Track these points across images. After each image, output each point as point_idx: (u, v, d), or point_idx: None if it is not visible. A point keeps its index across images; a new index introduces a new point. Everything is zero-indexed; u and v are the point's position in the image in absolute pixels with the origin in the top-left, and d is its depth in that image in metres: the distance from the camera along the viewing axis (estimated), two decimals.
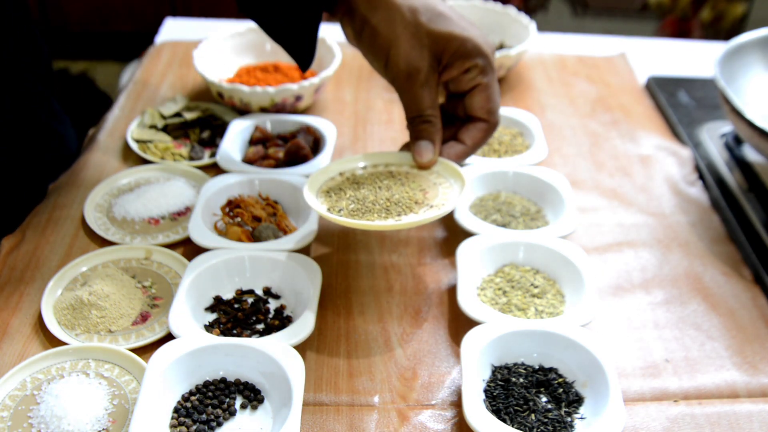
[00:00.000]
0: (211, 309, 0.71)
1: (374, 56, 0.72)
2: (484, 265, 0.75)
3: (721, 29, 2.73)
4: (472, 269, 0.74)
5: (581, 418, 0.62)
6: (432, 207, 0.68)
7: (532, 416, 0.62)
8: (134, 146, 0.92)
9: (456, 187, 0.71)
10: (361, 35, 0.72)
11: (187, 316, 0.67)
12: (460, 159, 0.74)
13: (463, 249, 0.75)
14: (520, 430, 0.60)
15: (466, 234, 0.81)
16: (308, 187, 0.71)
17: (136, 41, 2.67)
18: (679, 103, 1.07)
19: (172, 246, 0.79)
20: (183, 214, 0.84)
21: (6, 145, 0.88)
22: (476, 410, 0.59)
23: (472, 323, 0.67)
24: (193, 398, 0.62)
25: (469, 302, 0.69)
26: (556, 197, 0.83)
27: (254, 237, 0.78)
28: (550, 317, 0.70)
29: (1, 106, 0.87)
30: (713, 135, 1.00)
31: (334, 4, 0.73)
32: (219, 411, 0.61)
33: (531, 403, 0.62)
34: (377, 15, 0.70)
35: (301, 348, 0.68)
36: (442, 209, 0.67)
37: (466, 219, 0.79)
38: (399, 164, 0.75)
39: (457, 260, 0.74)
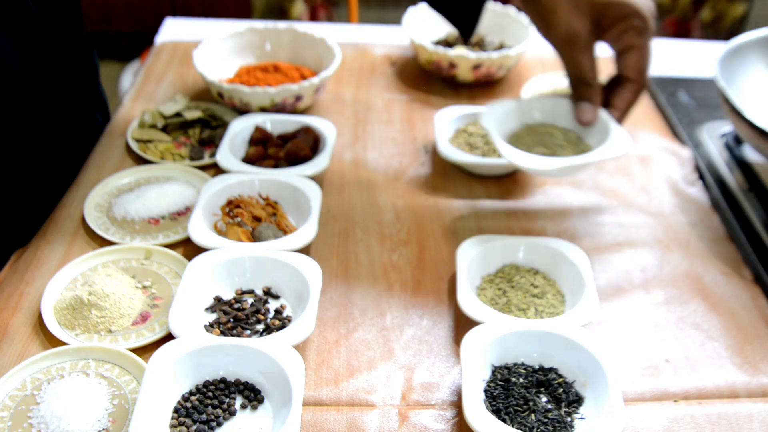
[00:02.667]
0: (211, 309, 0.71)
1: (537, 21, 0.76)
2: (484, 265, 0.75)
3: (721, 29, 2.73)
4: (472, 269, 0.74)
5: (581, 418, 0.62)
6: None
7: (532, 416, 0.62)
8: (134, 146, 0.93)
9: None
10: (526, 4, 0.76)
11: (187, 316, 0.67)
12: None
13: (463, 249, 0.75)
14: (520, 430, 0.60)
15: (466, 234, 0.81)
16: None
17: (136, 41, 2.68)
18: (679, 103, 1.07)
19: (172, 246, 0.79)
20: (183, 214, 0.84)
21: (51, 167, 0.89)
22: (476, 410, 0.59)
23: (472, 323, 0.67)
24: (193, 398, 0.62)
25: (469, 302, 0.69)
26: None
27: (254, 237, 0.78)
28: (550, 317, 0.70)
29: (54, 127, 0.89)
30: (713, 135, 1.00)
31: None
32: (219, 411, 0.61)
33: (531, 403, 0.62)
34: None
35: (301, 348, 0.68)
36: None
37: (511, 153, 0.78)
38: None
39: (457, 260, 0.74)
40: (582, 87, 0.77)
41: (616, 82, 0.79)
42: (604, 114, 0.78)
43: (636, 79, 0.76)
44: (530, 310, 0.71)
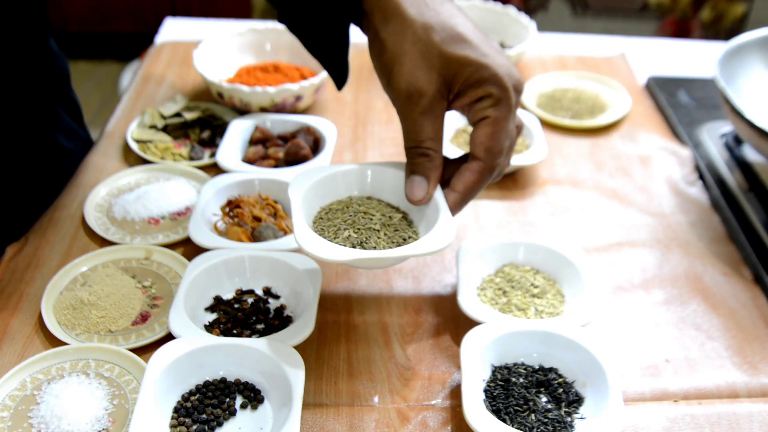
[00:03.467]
0: (211, 309, 0.71)
1: (379, 71, 0.64)
2: (484, 265, 0.76)
3: (721, 29, 2.73)
4: (472, 269, 0.74)
5: (581, 418, 0.62)
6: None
7: (532, 416, 0.62)
8: (134, 146, 0.93)
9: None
10: (371, 48, 0.65)
11: (187, 316, 0.67)
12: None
13: (463, 249, 0.75)
14: (520, 430, 0.60)
15: (466, 234, 0.81)
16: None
17: (136, 41, 2.68)
18: (679, 103, 1.07)
19: (172, 246, 0.79)
20: (183, 214, 0.84)
21: (16, 161, 0.88)
22: (476, 410, 0.59)
23: (472, 323, 0.67)
24: (193, 398, 0.62)
25: (469, 302, 0.69)
26: None
27: (254, 237, 0.78)
28: (550, 317, 0.70)
29: (14, 126, 0.87)
30: (713, 135, 1.00)
31: (361, 17, 0.66)
32: (219, 411, 0.61)
33: (531, 403, 0.62)
34: (388, 28, 0.62)
35: (301, 348, 0.68)
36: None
37: (304, 239, 0.62)
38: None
39: (457, 260, 0.74)
40: (418, 157, 0.63)
41: (465, 159, 0.65)
42: (438, 195, 0.64)
43: (482, 157, 0.62)
44: (530, 310, 0.71)
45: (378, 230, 0.64)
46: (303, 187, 0.67)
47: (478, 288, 0.74)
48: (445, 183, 0.65)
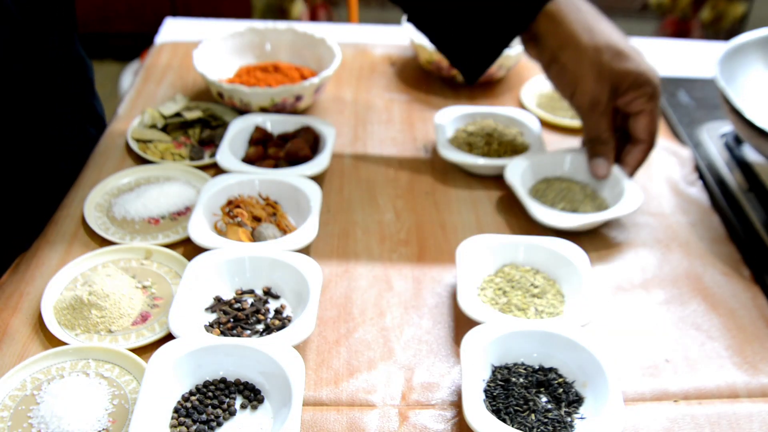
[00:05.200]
0: (211, 309, 0.71)
1: (562, 87, 0.84)
2: (484, 265, 0.76)
3: (721, 29, 2.73)
4: (472, 269, 0.74)
5: (581, 418, 0.62)
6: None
7: (532, 416, 0.62)
8: (134, 146, 0.93)
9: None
10: (549, 67, 0.84)
11: (187, 316, 0.67)
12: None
13: (463, 249, 0.75)
14: (520, 430, 0.60)
15: (466, 234, 0.81)
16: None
17: (136, 41, 2.68)
18: (679, 103, 1.07)
19: (172, 246, 0.79)
20: (183, 214, 0.84)
21: (37, 176, 0.89)
22: (476, 410, 0.59)
23: (472, 323, 0.67)
24: (193, 398, 0.62)
25: (469, 302, 0.69)
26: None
27: (254, 237, 0.78)
28: (550, 317, 0.71)
29: (38, 138, 0.88)
30: (713, 135, 1.00)
31: (524, 28, 0.83)
32: (219, 411, 0.61)
33: (531, 403, 0.62)
34: (566, 53, 0.81)
35: (301, 348, 0.68)
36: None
37: (537, 210, 0.82)
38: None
39: (457, 260, 0.74)
40: (599, 145, 0.85)
41: (624, 140, 0.87)
42: (616, 169, 0.86)
43: (646, 140, 0.84)
44: (530, 310, 0.71)
45: (582, 201, 0.85)
46: (516, 171, 0.87)
47: (478, 288, 0.74)
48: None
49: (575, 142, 1.01)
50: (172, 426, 0.60)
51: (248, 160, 0.89)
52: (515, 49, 1.06)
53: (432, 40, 0.88)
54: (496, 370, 0.66)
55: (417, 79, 1.13)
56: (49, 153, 0.90)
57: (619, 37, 0.82)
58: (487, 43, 0.85)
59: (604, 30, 0.82)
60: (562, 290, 0.74)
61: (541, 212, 0.81)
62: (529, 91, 1.08)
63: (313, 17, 2.78)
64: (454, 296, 0.75)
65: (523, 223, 0.85)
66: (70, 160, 0.93)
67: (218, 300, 0.72)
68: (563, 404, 0.63)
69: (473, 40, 0.85)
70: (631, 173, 0.86)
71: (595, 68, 0.80)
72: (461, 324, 0.72)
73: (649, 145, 0.85)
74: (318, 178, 0.88)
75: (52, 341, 0.68)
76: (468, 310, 0.68)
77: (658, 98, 0.82)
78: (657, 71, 0.82)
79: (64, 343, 0.68)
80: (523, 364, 0.66)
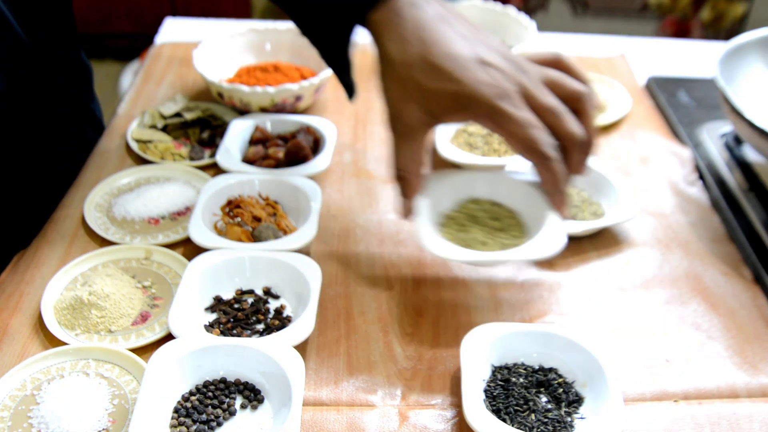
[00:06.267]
0: (211, 309, 0.71)
1: (385, 111, 0.69)
2: (442, 202, 0.74)
3: (721, 29, 2.73)
4: (432, 208, 0.72)
5: (581, 418, 0.62)
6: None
7: (532, 416, 0.62)
8: (134, 146, 0.93)
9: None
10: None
11: (187, 316, 0.67)
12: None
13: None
14: (520, 430, 0.60)
15: None
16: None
17: (136, 41, 2.68)
18: (679, 103, 1.07)
19: (172, 246, 0.79)
20: (183, 214, 0.84)
21: (37, 177, 0.89)
22: (476, 410, 0.59)
23: (472, 323, 0.67)
24: (193, 398, 0.62)
25: (431, 239, 0.68)
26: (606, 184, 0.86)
27: (254, 237, 0.78)
28: (514, 247, 0.69)
29: (38, 141, 0.88)
30: (713, 135, 1.00)
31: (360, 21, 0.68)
32: (219, 411, 0.61)
33: (531, 403, 0.62)
34: (381, 67, 0.67)
35: (301, 348, 0.68)
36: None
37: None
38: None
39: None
40: (397, 180, 0.70)
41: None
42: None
43: (531, 159, 0.67)
44: (494, 243, 0.70)
45: (579, 206, 0.77)
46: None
47: (440, 225, 0.73)
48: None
49: None
50: (172, 426, 0.60)
51: (248, 160, 0.89)
52: (515, 49, 1.06)
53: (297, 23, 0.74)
54: (496, 370, 0.66)
55: None
56: (48, 153, 0.91)
57: (442, 54, 0.64)
58: (331, 34, 0.70)
59: (433, 38, 0.64)
60: (525, 222, 0.73)
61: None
62: None
63: None
64: (454, 296, 0.75)
65: None
66: (70, 161, 0.93)
67: (218, 300, 0.72)
68: (563, 404, 0.63)
69: (321, 28, 0.71)
70: (552, 197, 0.69)
71: (399, 83, 0.65)
72: (461, 324, 0.72)
73: (537, 163, 0.66)
74: (318, 178, 0.88)
75: (52, 341, 0.68)
76: (431, 247, 0.67)
77: (501, 115, 0.63)
78: (494, 87, 0.63)
79: (64, 343, 0.68)
80: (523, 364, 0.66)
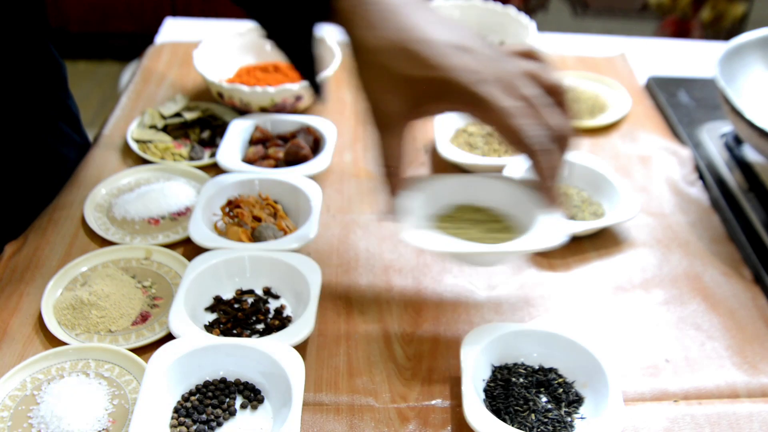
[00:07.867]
0: (211, 309, 0.71)
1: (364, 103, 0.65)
2: (434, 207, 0.71)
3: (721, 29, 2.73)
4: (421, 212, 0.69)
5: (581, 418, 0.62)
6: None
7: (532, 416, 0.62)
8: (134, 146, 0.93)
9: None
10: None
11: (187, 316, 0.67)
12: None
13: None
14: (520, 430, 0.60)
15: None
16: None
17: (136, 41, 2.68)
18: (679, 103, 1.07)
19: (172, 246, 0.79)
20: (183, 214, 0.84)
21: (10, 166, 0.88)
22: (476, 410, 0.59)
23: (472, 324, 0.67)
24: (193, 398, 0.62)
25: (426, 235, 0.65)
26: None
27: (254, 237, 0.78)
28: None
29: (9, 130, 0.87)
30: (713, 135, 1.00)
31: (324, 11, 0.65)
32: (219, 411, 0.61)
33: (531, 403, 0.62)
34: (356, 56, 0.63)
35: (301, 348, 0.68)
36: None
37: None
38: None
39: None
40: (385, 177, 0.67)
41: None
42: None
43: (525, 152, 0.63)
44: (490, 241, 0.67)
45: (579, 206, 0.77)
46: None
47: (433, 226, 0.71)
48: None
49: None
50: (172, 426, 0.60)
51: (248, 160, 0.89)
52: None
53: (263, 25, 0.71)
54: (496, 370, 0.66)
55: None
56: (20, 144, 0.89)
57: (423, 42, 0.60)
58: (293, 28, 0.67)
59: (406, 23, 0.61)
60: (521, 224, 0.70)
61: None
62: None
63: None
64: (454, 296, 0.75)
65: None
66: (46, 153, 0.92)
67: (218, 300, 0.72)
68: (563, 404, 0.63)
69: (282, 22, 0.68)
70: (543, 191, 0.65)
71: (379, 72, 0.62)
72: (461, 324, 0.72)
73: (530, 155, 0.62)
74: (318, 178, 0.88)
75: (52, 341, 0.68)
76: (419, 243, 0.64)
77: (487, 103, 0.60)
78: (473, 72, 0.60)
79: (64, 343, 0.68)
80: (523, 364, 0.66)
